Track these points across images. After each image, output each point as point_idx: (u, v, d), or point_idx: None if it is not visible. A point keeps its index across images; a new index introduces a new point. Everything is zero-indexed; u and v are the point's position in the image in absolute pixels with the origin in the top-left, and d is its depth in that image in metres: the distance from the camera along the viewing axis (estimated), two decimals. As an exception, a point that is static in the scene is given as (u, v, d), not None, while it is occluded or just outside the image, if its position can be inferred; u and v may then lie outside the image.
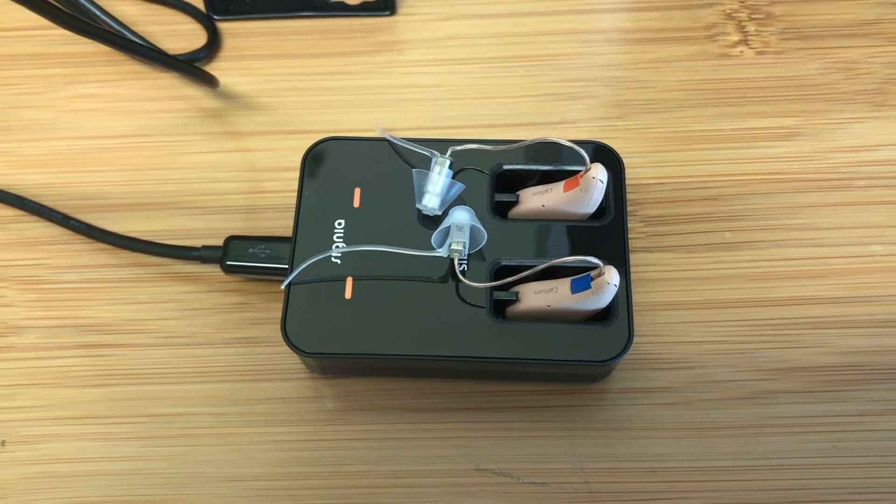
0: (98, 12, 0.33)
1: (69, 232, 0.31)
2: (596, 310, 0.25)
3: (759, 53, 0.33)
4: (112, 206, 0.31)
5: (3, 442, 0.28)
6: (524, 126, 0.32)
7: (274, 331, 0.26)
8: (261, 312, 0.29)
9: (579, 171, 0.26)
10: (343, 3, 0.35)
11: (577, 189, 0.26)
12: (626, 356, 0.25)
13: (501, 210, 0.28)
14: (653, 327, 0.28)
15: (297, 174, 0.28)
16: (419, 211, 0.27)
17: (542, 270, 0.26)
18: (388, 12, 0.35)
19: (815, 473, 0.26)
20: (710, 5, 0.34)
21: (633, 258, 0.29)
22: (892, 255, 0.29)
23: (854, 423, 0.27)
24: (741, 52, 0.33)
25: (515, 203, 0.28)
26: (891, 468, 0.26)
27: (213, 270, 0.29)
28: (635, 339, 0.26)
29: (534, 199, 0.27)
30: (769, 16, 0.34)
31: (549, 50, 0.34)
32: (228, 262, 0.29)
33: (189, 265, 0.30)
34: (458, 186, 0.27)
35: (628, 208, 0.30)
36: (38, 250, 0.31)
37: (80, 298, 0.30)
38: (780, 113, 0.32)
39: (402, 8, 0.35)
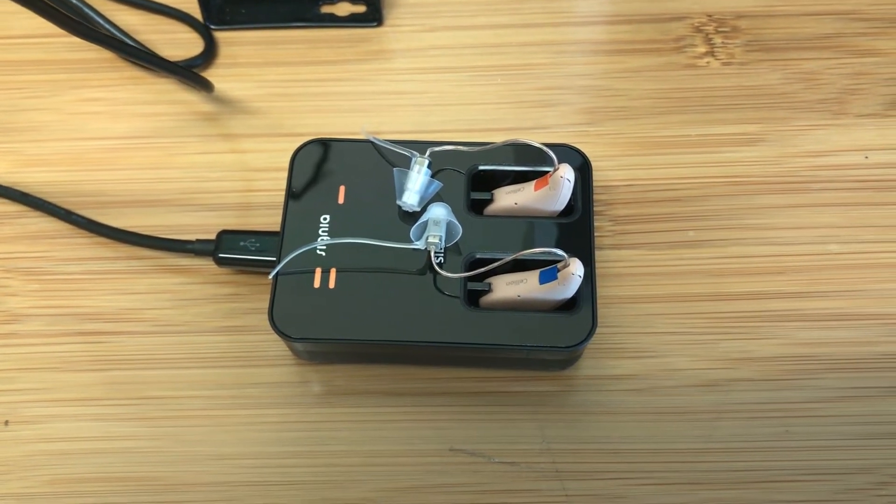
0: (102, 21, 0.35)
1: (71, 226, 0.32)
2: (563, 299, 0.27)
3: (724, 64, 0.35)
4: (112, 202, 0.33)
5: (7, 422, 0.29)
6: (502, 131, 0.34)
7: (263, 320, 0.28)
8: (251, 303, 0.31)
9: (549, 172, 0.28)
10: (333, 14, 0.37)
11: (547, 188, 0.28)
12: (590, 343, 0.27)
13: (477, 207, 0.30)
14: (619, 319, 0.30)
15: (286, 174, 0.30)
16: (399, 207, 0.29)
17: (514, 263, 0.27)
18: (375, 23, 0.37)
19: (767, 456, 0.28)
20: (679, 18, 0.36)
21: (602, 255, 0.31)
22: (846, 253, 0.31)
23: (806, 410, 0.29)
24: (708, 62, 0.35)
25: (490, 201, 0.30)
26: (837, 451, 0.28)
27: (207, 263, 0.31)
28: (602, 330, 0.28)
29: (507, 197, 0.29)
30: (735, 29, 0.36)
31: (526, 60, 0.36)
32: (220, 255, 0.30)
33: (183, 258, 0.32)
34: (436, 184, 0.29)
35: (598, 208, 0.32)
36: (41, 243, 0.32)
37: (80, 289, 0.31)
38: (744, 120, 0.34)
39: (389, 19, 0.37)
